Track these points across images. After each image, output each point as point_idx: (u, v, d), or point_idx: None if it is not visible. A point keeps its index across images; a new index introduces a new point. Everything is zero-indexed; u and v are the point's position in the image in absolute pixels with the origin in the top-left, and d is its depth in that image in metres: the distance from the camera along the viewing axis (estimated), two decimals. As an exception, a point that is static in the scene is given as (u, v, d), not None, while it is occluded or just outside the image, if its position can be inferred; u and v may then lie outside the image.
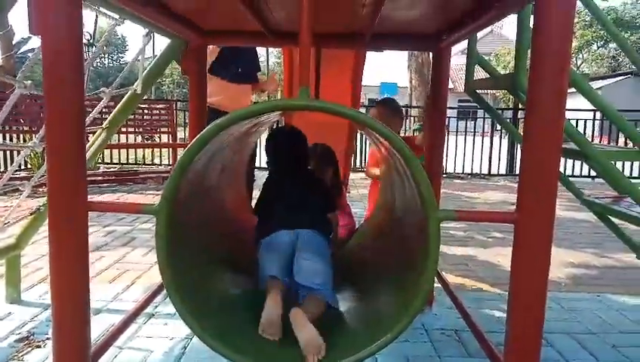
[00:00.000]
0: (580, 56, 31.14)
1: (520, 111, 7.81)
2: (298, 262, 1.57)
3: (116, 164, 7.62)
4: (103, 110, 2.30)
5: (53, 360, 1.08)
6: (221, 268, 1.54)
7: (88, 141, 2.22)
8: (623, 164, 6.99)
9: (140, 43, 1.77)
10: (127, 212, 1.12)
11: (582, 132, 5.42)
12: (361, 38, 1.90)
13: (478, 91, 2.00)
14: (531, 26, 1.07)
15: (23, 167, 6.28)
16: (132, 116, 6.60)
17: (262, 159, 2.80)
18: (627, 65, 26.97)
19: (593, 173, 7.40)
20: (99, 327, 1.91)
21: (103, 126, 2.08)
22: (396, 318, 1.18)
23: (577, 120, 7.43)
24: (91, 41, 11.01)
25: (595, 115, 7.85)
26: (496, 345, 1.41)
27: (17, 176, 5.24)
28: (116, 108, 2.11)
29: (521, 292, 1.12)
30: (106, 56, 56.56)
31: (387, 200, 1.95)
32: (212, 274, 1.48)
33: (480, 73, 2.09)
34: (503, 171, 8.07)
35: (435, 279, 2.20)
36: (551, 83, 1.03)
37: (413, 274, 1.22)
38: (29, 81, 1.41)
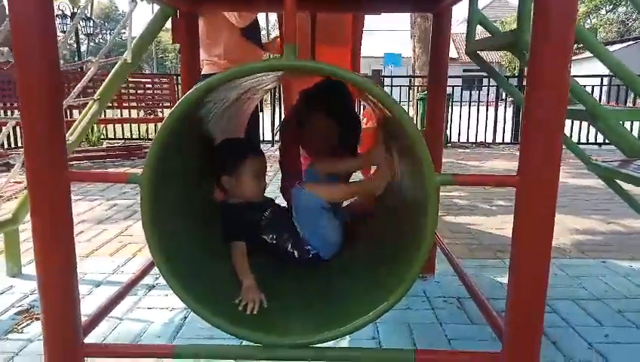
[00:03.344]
0: (589, 21, 30.38)
1: (525, 79, 7.65)
2: None
3: (120, 139, 7.61)
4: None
5: (43, 334, 1.07)
6: (216, 241, 1.51)
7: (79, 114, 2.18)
8: (632, 125, 6.85)
9: (127, 10, 1.70)
10: (110, 181, 1.09)
11: (589, 97, 5.28)
12: (358, 0, 1.82)
13: (481, 56, 1.92)
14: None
15: (20, 145, 6.28)
16: (134, 91, 6.58)
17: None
18: (637, 30, 26.32)
19: (600, 140, 7.31)
20: (99, 299, 1.90)
21: (94, 97, 2.03)
22: (395, 285, 1.15)
23: (585, 86, 7.28)
24: (77, 12, 10.81)
25: (602, 81, 7.69)
26: (498, 312, 1.38)
27: (16, 153, 5.22)
28: (107, 79, 2.06)
29: (523, 259, 1.08)
30: (108, 32, 55.93)
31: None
32: (207, 244, 1.45)
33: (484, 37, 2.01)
34: (508, 140, 7.98)
35: (438, 247, 2.17)
36: (556, 36, 0.97)
37: (412, 241, 1.18)
38: (6, 48, 1.35)
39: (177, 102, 1.04)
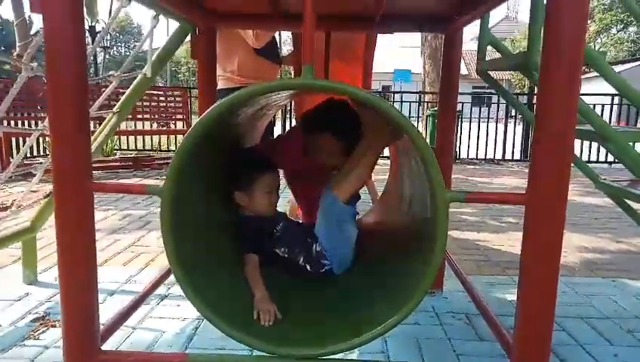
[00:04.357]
0: (599, 40, 30.37)
1: (535, 97, 7.67)
2: None
3: (133, 150, 7.72)
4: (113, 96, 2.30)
5: (63, 340, 1.10)
6: (233, 251, 1.54)
7: (99, 126, 2.24)
8: (643, 149, 6.83)
9: (149, 26, 1.77)
10: (131, 192, 1.13)
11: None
12: (371, 20, 1.87)
13: (491, 75, 1.96)
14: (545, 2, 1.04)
15: (42, 153, 6.41)
16: (148, 103, 6.70)
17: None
18: (649, 49, 26.24)
19: (610, 159, 7.29)
20: (112, 309, 1.93)
21: (114, 110, 2.09)
22: (404, 300, 1.18)
23: (594, 105, 7.28)
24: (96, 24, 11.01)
25: (612, 100, 7.68)
26: (507, 329, 1.39)
27: (36, 161, 5.33)
28: (126, 93, 2.12)
29: (532, 276, 1.10)
30: (123, 44, 56.89)
31: (397, 182, 1.94)
32: (223, 256, 1.49)
33: (494, 56, 2.05)
34: (517, 157, 7.97)
35: (446, 263, 2.19)
36: (565, 57, 1.00)
37: (422, 257, 1.21)
38: (35, 63, 1.41)
39: (202, 116, 1.09)
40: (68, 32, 0.98)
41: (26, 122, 5.86)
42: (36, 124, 5.75)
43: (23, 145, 5.76)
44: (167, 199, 1.07)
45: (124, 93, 2.35)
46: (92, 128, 6.03)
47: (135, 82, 2.09)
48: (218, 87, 2.66)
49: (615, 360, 1.73)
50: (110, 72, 1.80)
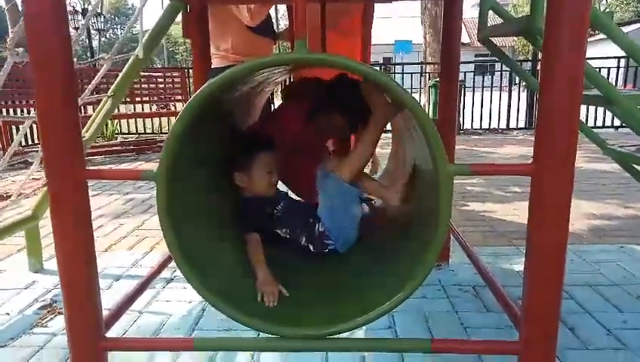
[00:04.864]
0: (604, 1, 29.66)
1: (539, 63, 7.54)
2: None
3: (133, 133, 7.68)
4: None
5: (66, 329, 1.10)
6: (233, 233, 1.53)
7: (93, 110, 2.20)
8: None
9: (138, 5, 1.71)
10: (126, 179, 1.10)
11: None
12: (368, -12, 1.80)
13: (494, 42, 1.89)
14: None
15: (39, 141, 6.37)
16: (146, 85, 6.64)
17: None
18: (655, 9, 25.62)
19: (617, 123, 7.18)
20: (119, 294, 1.94)
21: (108, 94, 2.05)
22: (409, 275, 1.16)
23: (600, 68, 7.14)
24: (89, 7, 10.82)
25: (619, 63, 7.52)
26: (514, 300, 1.38)
27: (33, 150, 5.31)
28: (120, 75, 2.07)
29: (539, 247, 1.07)
30: (119, 27, 56.17)
31: (400, 156, 1.90)
32: (225, 238, 1.47)
33: (496, 22, 1.98)
34: (522, 125, 7.88)
35: (452, 235, 2.17)
36: (570, 20, 0.95)
37: (426, 231, 1.18)
38: (21, 49, 1.37)
39: (191, 98, 1.05)
40: (48, 14, 0.94)
41: (25, 110, 5.82)
42: (28, 111, 5.71)
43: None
44: (163, 184, 1.05)
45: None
46: (90, 113, 5.97)
47: (128, 64, 2.05)
48: (213, 66, 2.60)
49: (624, 326, 1.72)
50: (101, 55, 1.75)
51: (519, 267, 2.20)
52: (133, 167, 5.31)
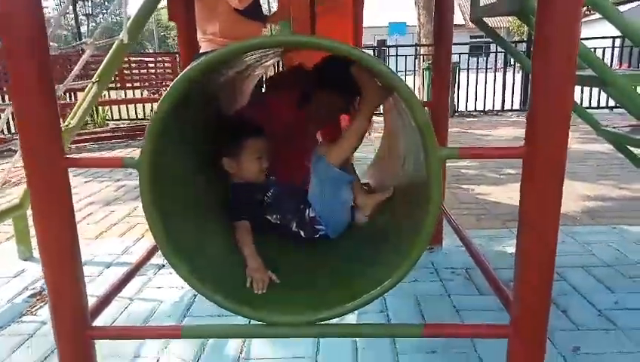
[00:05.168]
0: (601, -20, 29.38)
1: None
2: None
3: (125, 119, 7.59)
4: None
5: (51, 320, 1.08)
6: (221, 220, 1.51)
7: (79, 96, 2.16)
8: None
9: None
10: (108, 166, 1.08)
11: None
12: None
13: (487, 23, 1.86)
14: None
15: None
16: (137, 71, 6.53)
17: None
18: (651, -13, 25.43)
19: (611, 103, 7.16)
20: (109, 280, 1.92)
21: (93, 80, 2.00)
22: (400, 260, 1.14)
23: (595, 48, 7.08)
24: None
25: (614, 43, 7.46)
26: (506, 282, 1.37)
27: (16, 138, 5.23)
28: (104, 60, 2.03)
29: (531, 230, 1.05)
30: (107, 11, 55.19)
31: (391, 140, 1.88)
32: (213, 226, 1.45)
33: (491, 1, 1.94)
34: (517, 107, 7.84)
35: (445, 218, 2.16)
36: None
37: (418, 216, 1.16)
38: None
39: (171, 84, 1.02)
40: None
41: (7, 96, 5.70)
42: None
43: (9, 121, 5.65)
44: (146, 171, 1.02)
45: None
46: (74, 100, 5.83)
47: (112, 49, 2.00)
48: (201, 50, 2.55)
49: (615, 306, 1.72)
50: (84, 40, 1.70)
51: (512, 249, 2.19)
52: (124, 153, 5.26)
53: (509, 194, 3.17)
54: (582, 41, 1.04)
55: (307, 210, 1.52)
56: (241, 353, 1.49)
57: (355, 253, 1.43)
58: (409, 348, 1.48)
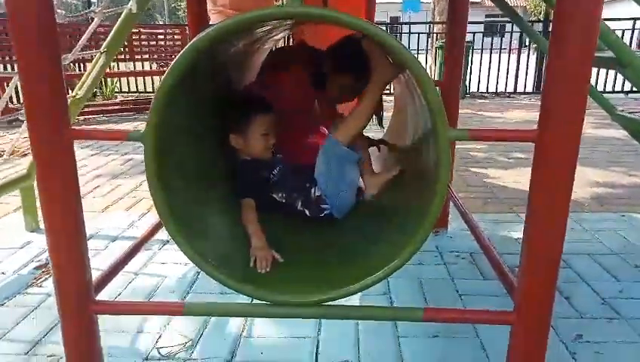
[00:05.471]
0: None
1: (551, 23, 7.30)
2: None
3: (134, 92, 7.56)
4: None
5: (55, 293, 1.08)
6: (227, 198, 1.49)
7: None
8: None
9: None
10: (113, 139, 1.06)
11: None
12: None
13: (506, 2, 1.80)
14: None
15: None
16: (146, 42, 6.47)
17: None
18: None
19: (627, 88, 7.01)
20: (115, 254, 1.93)
21: (101, 50, 1.97)
22: (405, 243, 1.13)
23: (614, 30, 6.88)
24: None
25: (634, 24, 7.26)
26: (511, 268, 1.36)
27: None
28: (113, 30, 1.99)
29: (540, 215, 1.03)
30: (117, -20, 54.56)
31: (400, 120, 1.84)
32: (218, 203, 1.44)
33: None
34: (529, 89, 7.71)
35: (451, 202, 2.14)
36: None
37: (425, 198, 1.14)
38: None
39: (178, 56, 0.99)
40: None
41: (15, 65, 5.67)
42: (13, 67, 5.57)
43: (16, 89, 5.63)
44: (151, 145, 1.01)
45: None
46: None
47: (121, 18, 1.96)
48: (210, 22, 2.50)
49: (620, 295, 1.71)
50: (91, 8, 1.67)
51: (519, 235, 2.18)
52: (132, 126, 5.25)
53: (518, 179, 3.14)
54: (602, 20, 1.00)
55: (313, 189, 1.50)
56: (242, 331, 1.50)
57: (361, 233, 1.42)
58: (411, 331, 1.48)
